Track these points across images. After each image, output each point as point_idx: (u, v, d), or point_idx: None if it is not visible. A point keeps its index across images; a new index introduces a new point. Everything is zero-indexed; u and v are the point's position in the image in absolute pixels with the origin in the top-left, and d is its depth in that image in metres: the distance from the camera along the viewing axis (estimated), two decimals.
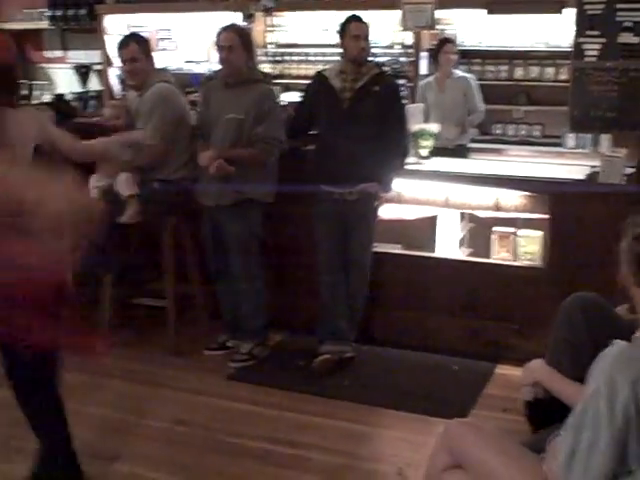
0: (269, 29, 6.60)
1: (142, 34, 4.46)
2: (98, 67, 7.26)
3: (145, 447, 3.20)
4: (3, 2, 7.83)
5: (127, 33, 4.57)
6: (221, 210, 3.91)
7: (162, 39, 6.87)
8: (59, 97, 6.34)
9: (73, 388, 3.65)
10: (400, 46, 6.16)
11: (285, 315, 4.29)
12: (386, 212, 4.10)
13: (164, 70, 4.33)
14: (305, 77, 5.86)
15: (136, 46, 4.01)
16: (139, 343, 4.27)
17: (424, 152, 4.37)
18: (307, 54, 6.54)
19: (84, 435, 3.21)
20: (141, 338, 4.34)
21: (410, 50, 6.02)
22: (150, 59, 4.07)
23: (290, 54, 6.60)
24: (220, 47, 3.85)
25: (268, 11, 6.10)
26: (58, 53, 7.93)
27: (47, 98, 7.23)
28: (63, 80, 7.72)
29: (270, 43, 6.64)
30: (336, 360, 3.93)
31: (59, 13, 7.23)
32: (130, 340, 4.29)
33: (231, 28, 3.97)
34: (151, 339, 4.29)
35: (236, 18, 5.97)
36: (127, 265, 4.18)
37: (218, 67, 4.09)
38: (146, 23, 6.74)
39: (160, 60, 4.84)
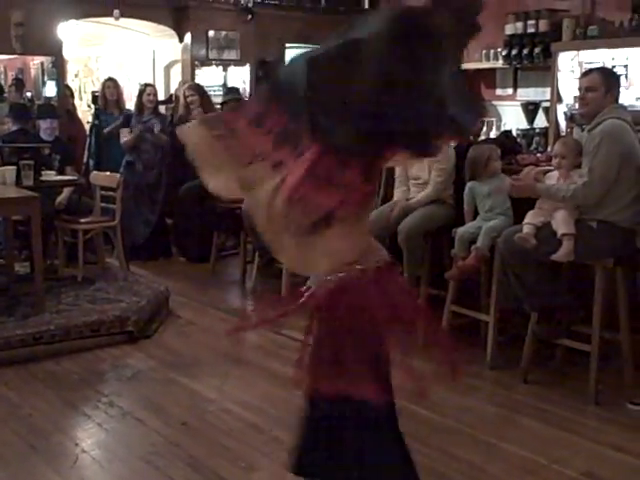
0: None
1: (612, 70, 4.37)
2: (546, 104, 7.30)
3: None
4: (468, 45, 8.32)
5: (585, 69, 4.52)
6: None
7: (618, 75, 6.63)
8: (506, 133, 6.51)
9: (485, 419, 3.74)
10: None
11: None
12: None
13: (622, 107, 4.16)
14: None
15: (598, 77, 3.95)
16: (555, 384, 4.15)
17: None
18: None
19: (493, 469, 3.23)
20: (558, 380, 4.21)
21: None
22: (610, 94, 3.93)
23: None
24: None
25: None
26: (509, 91, 8.17)
27: (493, 134, 7.51)
28: (511, 117, 7.92)
29: None
30: None
31: (514, 52, 7.45)
32: (546, 380, 4.19)
33: None
34: (568, 382, 4.14)
35: None
36: (555, 304, 4.10)
37: None
38: (600, 59, 6.57)
39: None
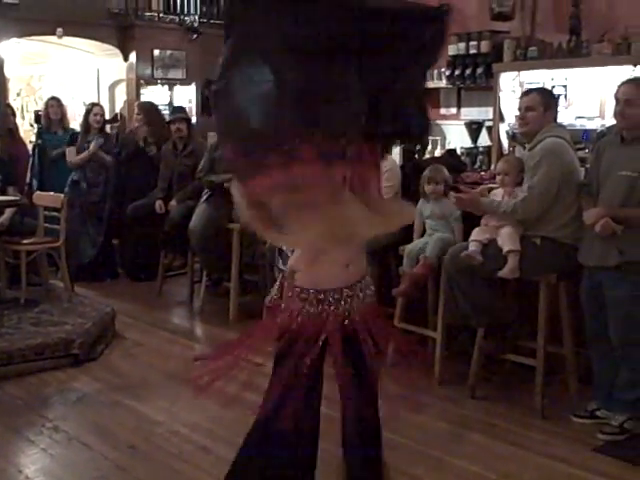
0: None
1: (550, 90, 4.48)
2: (489, 123, 7.44)
3: None
4: None
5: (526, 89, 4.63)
6: (603, 271, 3.71)
7: (557, 95, 6.81)
8: (450, 152, 6.61)
9: (435, 435, 3.76)
10: None
11: None
12: None
13: (561, 126, 4.27)
14: None
15: (537, 96, 4.05)
16: (502, 399, 4.20)
17: None
18: None
19: None
20: (505, 394, 4.26)
21: None
22: (549, 113, 4.04)
23: None
24: (617, 100, 3.69)
25: None
26: (452, 110, 8.30)
27: (438, 152, 7.62)
28: (455, 135, 8.04)
29: None
30: None
31: (457, 72, 7.58)
32: (493, 394, 4.25)
33: (634, 81, 3.83)
34: (515, 397, 4.19)
35: (635, 72, 5.70)
36: (501, 319, 4.16)
37: (612, 122, 3.93)
38: (541, 79, 6.74)
39: None
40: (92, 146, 6.80)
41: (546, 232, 3.97)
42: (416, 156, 7.67)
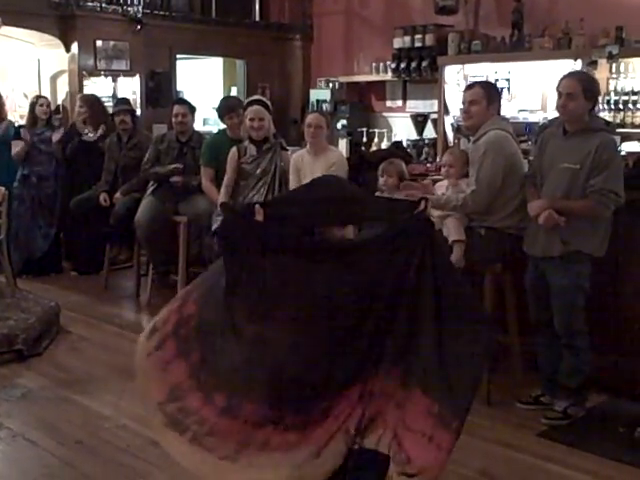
0: (613, 76, 6.28)
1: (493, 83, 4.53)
2: (434, 116, 7.53)
3: None
4: (359, 58, 8.53)
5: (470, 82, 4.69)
6: (547, 261, 3.80)
7: (501, 88, 6.93)
8: (396, 144, 6.67)
9: None
10: None
11: (607, 375, 3.99)
12: None
13: (504, 119, 4.34)
14: None
15: (480, 90, 4.09)
16: None
17: None
18: None
19: None
20: None
21: None
22: (493, 106, 4.09)
23: (635, 102, 6.22)
24: (559, 93, 3.77)
25: (613, 58, 5.86)
26: (398, 102, 8.37)
27: (384, 144, 7.67)
28: (401, 128, 8.12)
29: (613, 90, 6.32)
30: None
31: (403, 65, 7.65)
32: None
33: (575, 75, 3.90)
34: None
35: (576, 66, 5.83)
36: None
37: (554, 115, 4.01)
38: (484, 73, 6.84)
39: None
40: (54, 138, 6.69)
41: (490, 223, 4.03)
42: (362, 148, 7.80)
